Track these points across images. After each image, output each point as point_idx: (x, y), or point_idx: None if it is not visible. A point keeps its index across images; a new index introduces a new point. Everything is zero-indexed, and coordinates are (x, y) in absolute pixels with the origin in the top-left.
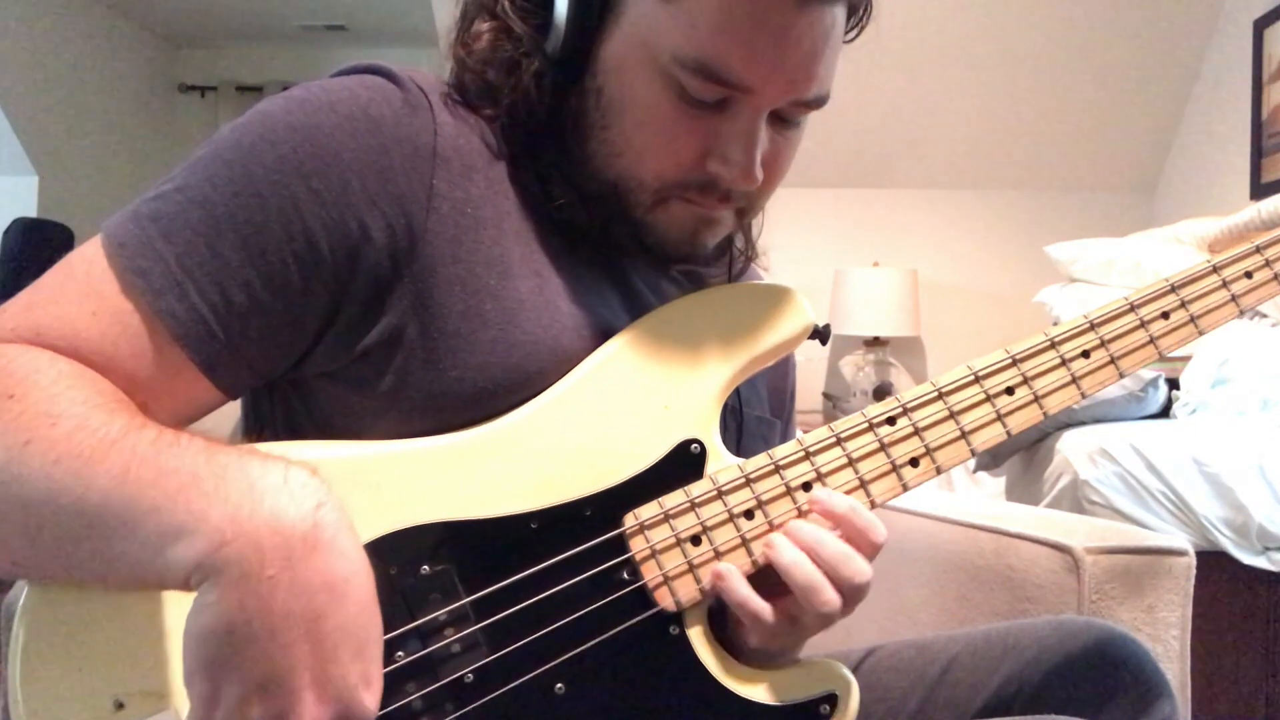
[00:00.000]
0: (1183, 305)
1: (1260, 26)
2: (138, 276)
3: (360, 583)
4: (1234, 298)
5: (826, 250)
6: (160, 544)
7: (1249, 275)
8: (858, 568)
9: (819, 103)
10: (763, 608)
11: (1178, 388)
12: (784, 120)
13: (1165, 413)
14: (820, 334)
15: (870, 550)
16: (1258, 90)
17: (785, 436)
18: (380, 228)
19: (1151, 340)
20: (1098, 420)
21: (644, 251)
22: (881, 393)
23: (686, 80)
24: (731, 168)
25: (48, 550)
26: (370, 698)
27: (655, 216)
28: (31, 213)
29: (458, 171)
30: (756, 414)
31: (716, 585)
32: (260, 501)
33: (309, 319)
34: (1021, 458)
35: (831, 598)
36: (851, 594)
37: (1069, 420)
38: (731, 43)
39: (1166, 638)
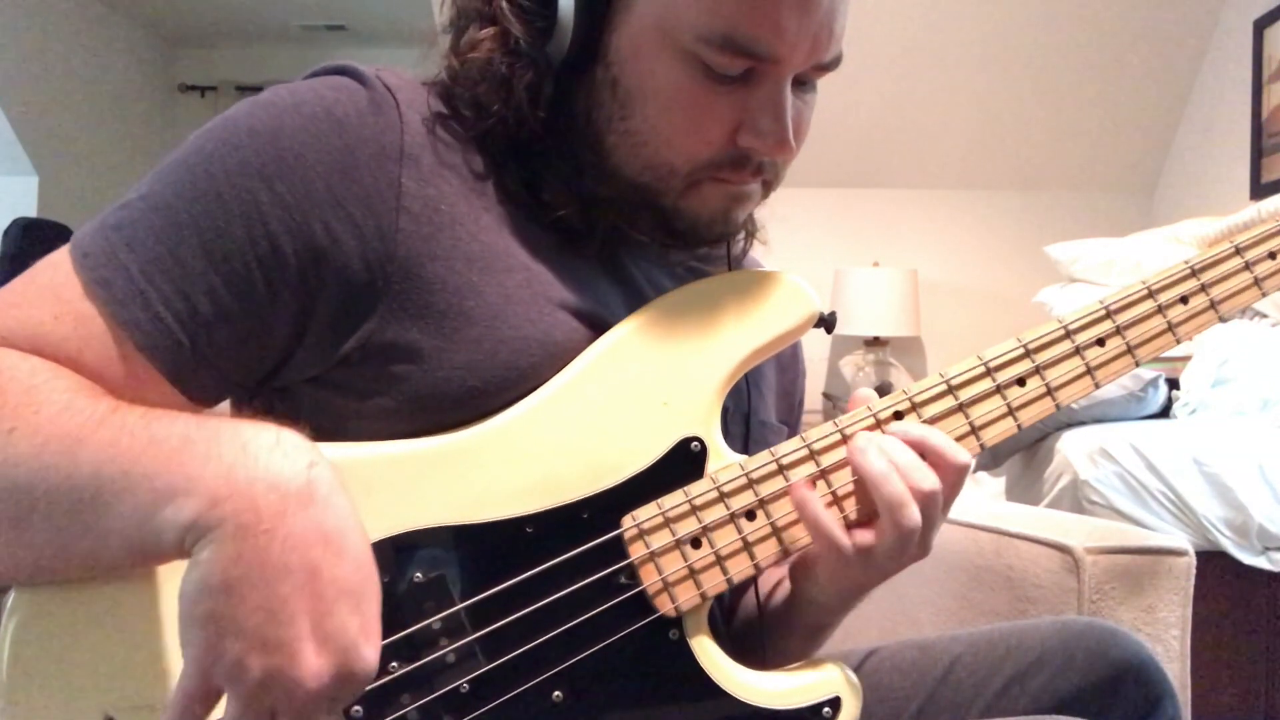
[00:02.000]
0: (1203, 289)
1: (1260, 26)
2: (100, 287)
3: (355, 537)
4: (1257, 280)
5: (826, 250)
6: (154, 508)
7: (1273, 256)
8: (932, 480)
9: (837, 63)
10: (838, 530)
11: (1178, 388)
12: (802, 84)
13: (1165, 413)
14: (825, 322)
15: (954, 475)
16: (1258, 90)
17: None
18: (347, 230)
19: (1170, 327)
20: (1098, 420)
21: (671, 238)
22: (882, 393)
23: (712, 57)
24: (765, 138)
25: (37, 534)
26: (370, 650)
27: (687, 201)
28: (31, 213)
29: (428, 169)
30: (760, 418)
31: (797, 495)
32: (255, 459)
33: (278, 325)
34: (1021, 458)
35: (914, 514)
36: (926, 505)
37: (1069, 420)
38: (756, 13)
39: (1166, 638)
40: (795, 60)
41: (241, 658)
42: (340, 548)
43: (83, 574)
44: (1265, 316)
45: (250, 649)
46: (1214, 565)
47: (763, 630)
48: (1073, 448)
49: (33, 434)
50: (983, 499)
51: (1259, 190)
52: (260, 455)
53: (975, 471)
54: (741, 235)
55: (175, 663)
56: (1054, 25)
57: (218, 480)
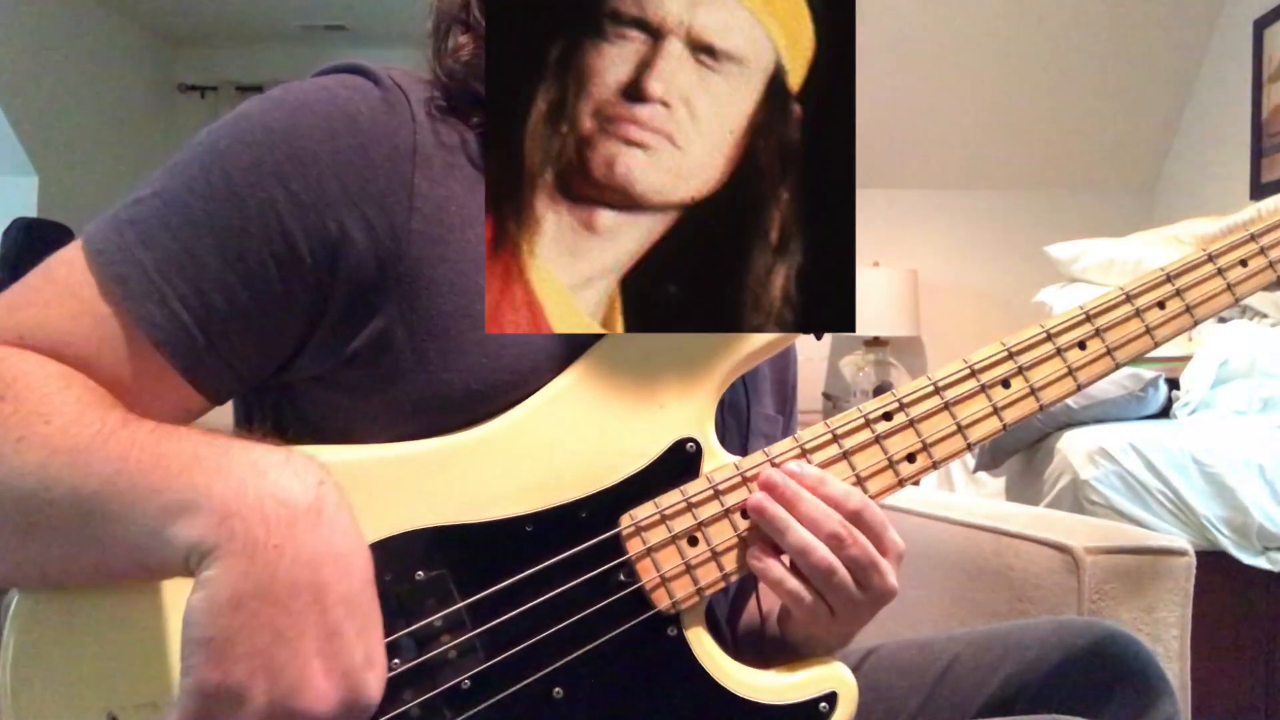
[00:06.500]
0: (1178, 294)
1: (1260, 26)
2: (116, 284)
3: (362, 560)
4: (1229, 286)
5: None
6: (162, 522)
7: (1244, 264)
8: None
9: None
10: (799, 585)
11: (1178, 388)
12: None
13: (1165, 413)
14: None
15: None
16: (1258, 90)
17: (788, 432)
18: (361, 228)
19: (1148, 330)
20: (1098, 420)
21: None
22: (881, 393)
23: None
24: None
25: (42, 543)
26: (375, 679)
27: None
28: (31, 213)
29: (439, 169)
30: (756, 410)
31: (754, 566)
32: (264, 475)
33: (291, 322)
34: (1021, 458)
35: (826, 555)
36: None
37: (1069, 420)
38: None
39: (1166, 638)
40: None
41: (246, 680)
42: (348, 568)
43: (89, 583)
44: (1265, 316)
45: (256, 671)
46: (1214, 565)
47: (764, 638)
48: (1073, 448)
49: (41, 445)
50: (983, 499)
51: (1259, 190)
52: (270, 471)
53: (975, 471)
54: None
55: (179, 660)
56: (1054, 25)
57: (227, 495)
